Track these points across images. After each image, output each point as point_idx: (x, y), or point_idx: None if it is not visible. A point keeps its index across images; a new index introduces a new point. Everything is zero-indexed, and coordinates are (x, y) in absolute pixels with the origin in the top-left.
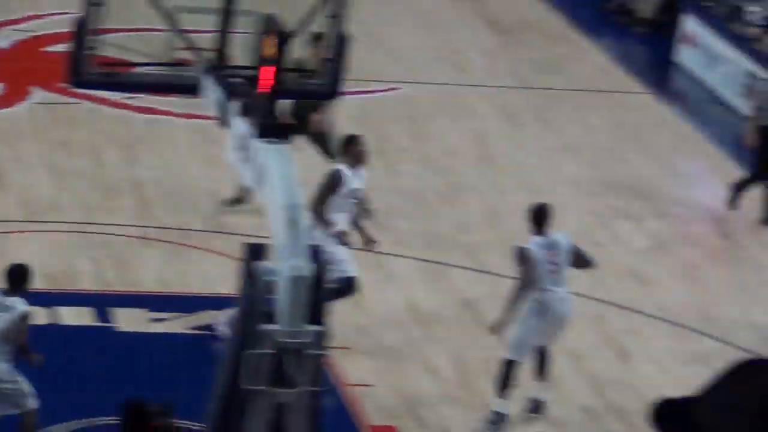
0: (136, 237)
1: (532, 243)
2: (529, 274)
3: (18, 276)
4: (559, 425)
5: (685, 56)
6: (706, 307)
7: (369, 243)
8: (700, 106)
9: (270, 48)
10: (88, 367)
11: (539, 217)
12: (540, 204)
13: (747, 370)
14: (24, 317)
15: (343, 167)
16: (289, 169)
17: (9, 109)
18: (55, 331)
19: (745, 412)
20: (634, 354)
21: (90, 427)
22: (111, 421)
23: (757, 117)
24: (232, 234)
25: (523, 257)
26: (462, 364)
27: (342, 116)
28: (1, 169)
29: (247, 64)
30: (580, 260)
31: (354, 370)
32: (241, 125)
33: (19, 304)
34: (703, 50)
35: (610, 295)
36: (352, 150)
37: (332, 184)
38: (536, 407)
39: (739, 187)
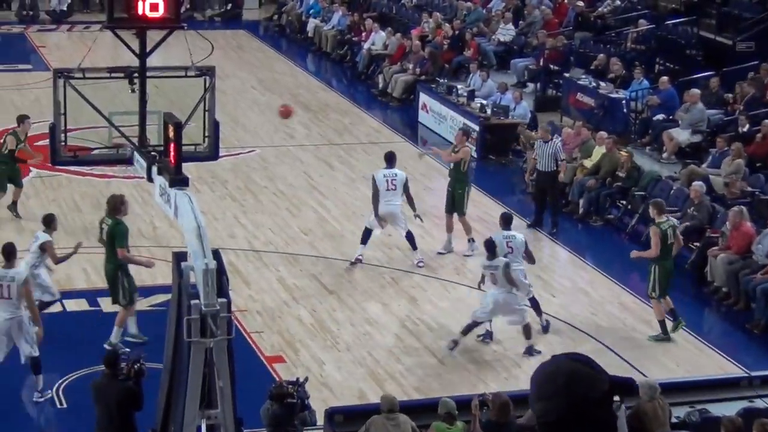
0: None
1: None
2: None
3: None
4: None
5: (424, 118)
6: None
7: None
8: (437, 146)
9: (171, 132)
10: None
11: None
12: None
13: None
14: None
15: None
16: (193, 204)
17: (23, 179)
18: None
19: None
20: None
21: (84, 375)
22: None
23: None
24: (166, 247)
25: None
26: (316, 314)
27: (221, 170)
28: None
29: (159, 143)
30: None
31: (250, 323)
32: (160, 179)
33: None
34: (434, 113)
35: None
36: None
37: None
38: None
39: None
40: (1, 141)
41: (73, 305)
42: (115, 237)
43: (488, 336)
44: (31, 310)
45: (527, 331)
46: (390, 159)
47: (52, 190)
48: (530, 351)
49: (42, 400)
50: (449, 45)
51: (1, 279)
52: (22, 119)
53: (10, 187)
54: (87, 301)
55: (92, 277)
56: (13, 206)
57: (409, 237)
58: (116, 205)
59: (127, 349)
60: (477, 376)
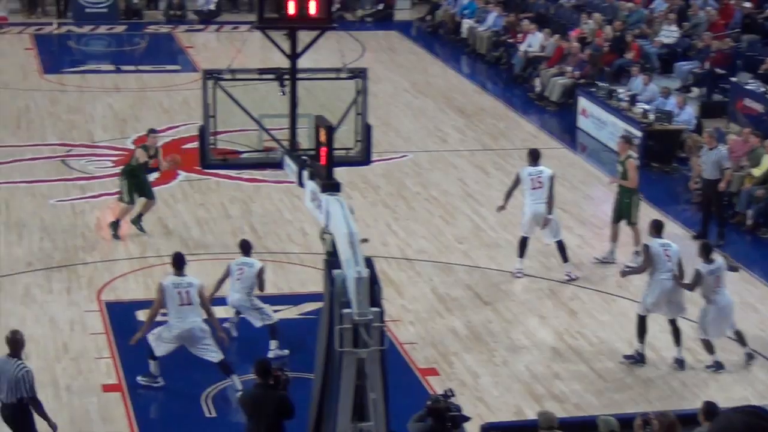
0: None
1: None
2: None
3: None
4: None
5: (583, 123)
6: None
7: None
8: (596, 153)
9: (323, 136)
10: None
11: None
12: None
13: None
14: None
15: None
16: (345, 210)
17: (167, 185)
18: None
19: None
20: None
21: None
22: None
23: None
24: (317, 254)
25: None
26: (471, 326)
27: (373, 175)
28: (165, 222)
29: (310, 147)
30: None
31: (402, 334)
32: (311, 184)
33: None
34: (593, 118)
35: None
36: None
37: None
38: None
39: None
40: (132, 154)
41: (222, 312)
42: None
43: (637, 358)
44: (210, 316)
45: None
46: (535, 156)
47: (200, 194)
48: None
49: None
50: (610, 47)
51: (178, 286)
52: (149, 132)
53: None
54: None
55: None
56: (137, 219)
57: (561, 246)
58: None
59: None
60: (640, 393)
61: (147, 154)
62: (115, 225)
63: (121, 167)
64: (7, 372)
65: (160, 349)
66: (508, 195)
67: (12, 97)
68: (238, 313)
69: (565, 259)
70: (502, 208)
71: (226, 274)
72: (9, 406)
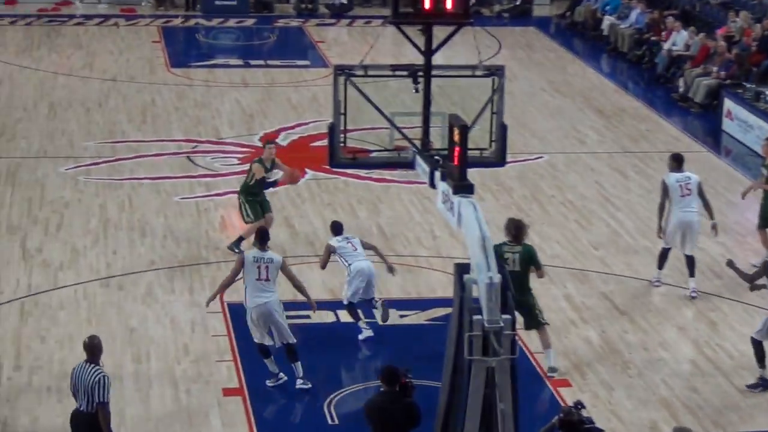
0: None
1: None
2: None
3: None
4: None
5: (728, 126)
6: None
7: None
8: (741, 158)
9: (457, 135)
10: (359, 348)
11: None
12: None
13: None
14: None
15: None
16: (477, 213)
17: (294, 185)
18: (339, 327)
19: None
20: None
21: (362, 389)
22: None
23: None
24: (447, 257)
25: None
26: (605, 336)
27: (506, 177)
28: (291, 221)
29: (443, 146)
30: None
31: (534, 342)
32: (443, 186)
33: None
34: (739, 121)
35: None
36: None
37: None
38: None
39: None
40: (249, 170)
41: (344, 316)
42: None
43: (762, 385)
44: (301, 290)
45: None
46: (680, 161)
47: (327, 194)
48: None
49: (307, 387)
50: (758, 47)
51: (258, 260)
52: (266, 142)
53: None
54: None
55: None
56: (237, 242)
57: (690, 261)
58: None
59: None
60: None
61: (263, 168)
62: (238, 242)
63: (240, 185)
64: (84, 379)
65: (255, 335)
66: (662, 209)
67: (138, 90)
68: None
69: (692, 273)
70: (661, 231)
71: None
72: (86, 416)
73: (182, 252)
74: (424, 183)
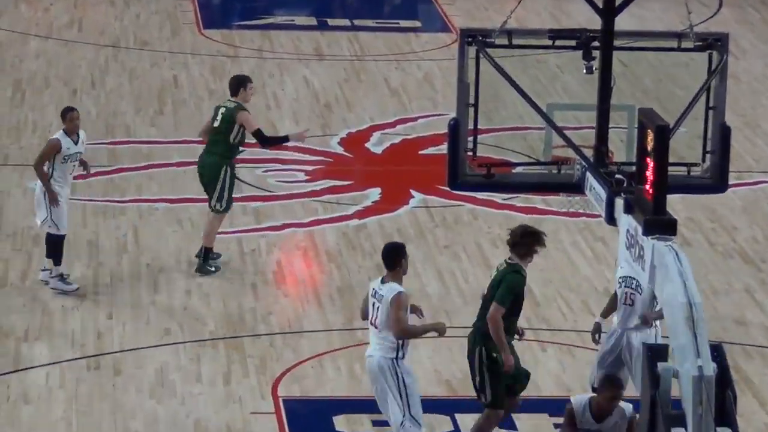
0: (531, 339)
1: None
2: None
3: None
4: None
5: None
6: None
7: None
8: None
9: (652, 142)
10: None
11: None
12: None
13: None
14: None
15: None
16: (683, 266)
17: (390, 214)
18: None
19: None
20: None
21: None
22: None
23: None
24: None
25: None
26: None
27: (728, 209)
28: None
29: (628, 159)
30: None
31: None
32: (627, 220)
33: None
34: None
35: None
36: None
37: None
38: None
39: None
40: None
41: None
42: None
43: None
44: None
45: None
46: None
47: (444, 229)
48: None
49: None
50: None
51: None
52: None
53: None
54: None
55: None
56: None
57: None
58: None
59: None
60: None
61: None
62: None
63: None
64: None
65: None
66: None
67: (153, 63)
68: None
69: None
70: None
71: None
72: None
73: (215, 317)
74: (598, 216)
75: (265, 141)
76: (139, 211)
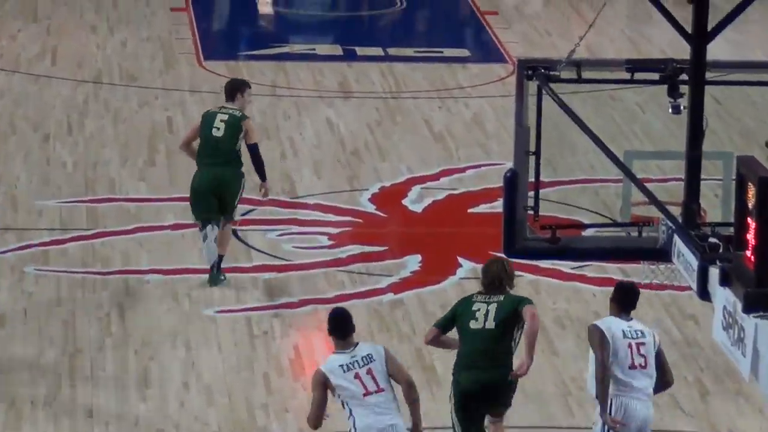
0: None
1: None
2: None
3: None
4: None
5: None
6: None
7: None
8: None
9: (751, 197)
10: None
11: None
12: None
13: None
14: None
15: None
16: None
17: (435, 287)
18: None
19: None
20: None
21: None
22: None
23: None
24: None
25: None
26: None
27: None
28: (428, 361)
29: (724, 219)
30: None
31: None
32: (724, 294)
33: None
34: None
35: None
36: None
37: None
38: None
39: None
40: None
41: None
42: None
43: None
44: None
45: None
46: None
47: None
48: None
49: None
50: None
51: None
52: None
53: None
54: None
55: None
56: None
57: None
58: None
59: None
60: None
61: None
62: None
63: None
64: None
65: None
66: None
67: (142, 103)
68: None
69: None
70: None
71: None
72: None
73: (218, 416)
74: (687, 288)
75: (258, 159)
76: (126, 285)
